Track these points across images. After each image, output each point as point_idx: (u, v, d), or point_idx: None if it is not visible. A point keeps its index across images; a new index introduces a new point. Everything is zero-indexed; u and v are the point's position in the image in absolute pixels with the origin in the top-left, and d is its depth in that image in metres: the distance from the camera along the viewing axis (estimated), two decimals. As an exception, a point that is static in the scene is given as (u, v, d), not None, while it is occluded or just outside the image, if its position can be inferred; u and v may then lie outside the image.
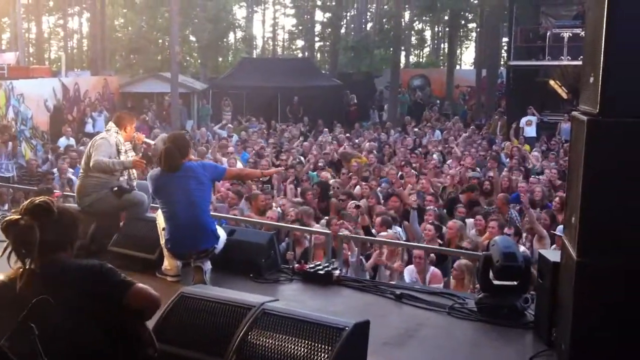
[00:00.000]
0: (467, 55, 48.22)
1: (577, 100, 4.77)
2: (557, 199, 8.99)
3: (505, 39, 27.30)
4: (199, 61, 34.16)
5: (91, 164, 5.82)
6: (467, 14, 34.69)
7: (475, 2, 32.01)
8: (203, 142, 17.35)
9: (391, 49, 29.98)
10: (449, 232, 7.71)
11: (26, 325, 2.31)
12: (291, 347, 3.21)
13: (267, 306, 3.49)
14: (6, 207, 8.98)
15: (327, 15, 34.81)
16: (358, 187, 10.30)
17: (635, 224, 3.28)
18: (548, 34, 20.71)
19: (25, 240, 2.62)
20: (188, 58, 37.93)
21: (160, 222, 5.33)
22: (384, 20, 36.51)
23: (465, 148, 15.29)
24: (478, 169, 12.40)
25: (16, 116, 17.29)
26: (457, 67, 38.26)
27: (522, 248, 7.12)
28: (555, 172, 11.65)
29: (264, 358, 3.26)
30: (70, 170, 11.30)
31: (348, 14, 38.92)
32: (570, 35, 19.82)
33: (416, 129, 20.32)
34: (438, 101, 28.89)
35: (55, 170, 11.69)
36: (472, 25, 38.95)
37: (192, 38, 34.08)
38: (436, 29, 46.75)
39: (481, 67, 29.54)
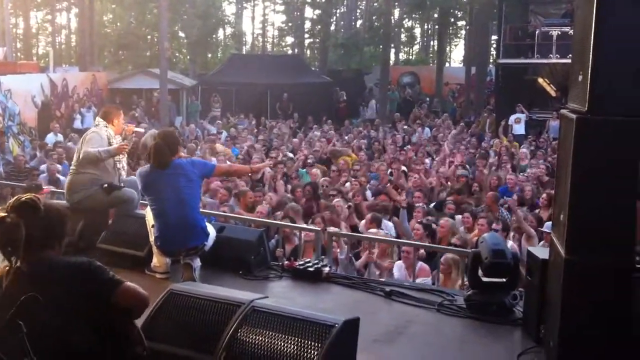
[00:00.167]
0: (457, 53, 48.45)
1: (565, 98, 4.80)
2: (544, 195, 9.01)
3: (494, 37, 27.32)
4: (188, 57, 34.02)
5: (81, 156, 5.82)
6: (456, 11, 34.84)
7: (465, 0, 32.11)
8: (192, 138, 17.30)
9: (381, 46, 29.97)
10: (440, 231, 7.67)
11: (14, 323, 2.29)
12: (281, 344, 3.21)
13: (256, 303, 3.49)
14: (-7, 203, 8.91)
15: (317, 12, 34.81)
16: (348, 183, 10.30)
17: (623, 222, 3.30)
18: (537, 32, 20.81)
19: (11, 238, 2.60)
20: (177, 54, 37.79)
21: (150, 219, 5.31)
22: (374, 17, 36.46)
23: (455, 145, 15.29)
24: (467, 167, 12.42)
25: (4, 112, 17.16)
26: (447, 64, 38.43)
27: (509, 243, 7.16)
28: (544, 169, 11.68)
29: (253, 355, 3.25)
30: (59, 166, 11.22)
31: (338, 11, 38.80)
32: (559, 33, 19.91)
33: (405, 127, 20.34)
34: (427, 98, 28.94)
35: (43, 167, 11.60)
36: (461, 23, 39.10)
37: (181, 34, 33.87)
38: (426, 27, 46.86)
39: (470, 64, 29.59)
